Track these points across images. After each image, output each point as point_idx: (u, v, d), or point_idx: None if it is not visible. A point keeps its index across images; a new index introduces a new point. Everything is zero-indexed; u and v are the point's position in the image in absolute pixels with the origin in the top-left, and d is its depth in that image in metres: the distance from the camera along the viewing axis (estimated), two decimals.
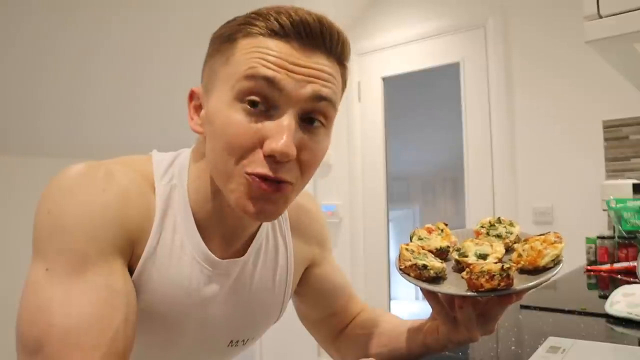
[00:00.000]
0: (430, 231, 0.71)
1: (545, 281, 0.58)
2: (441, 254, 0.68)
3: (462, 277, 0.58)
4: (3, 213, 1.82)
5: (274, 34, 0.55)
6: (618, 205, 1.66)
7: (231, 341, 0.71)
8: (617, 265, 1.54)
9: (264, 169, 0.54)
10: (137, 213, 0.58)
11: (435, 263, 0.62)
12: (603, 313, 0.96)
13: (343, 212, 2.95)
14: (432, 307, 0.65)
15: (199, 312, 0.64)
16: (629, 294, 0.98)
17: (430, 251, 0.67)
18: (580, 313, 0.99)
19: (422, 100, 3.10)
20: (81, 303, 0.50)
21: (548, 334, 0.81)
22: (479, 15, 2.50)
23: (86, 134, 2.00)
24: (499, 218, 0.72)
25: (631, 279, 1.37)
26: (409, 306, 3.51)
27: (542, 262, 0.59)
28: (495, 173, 2.43)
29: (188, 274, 0.62)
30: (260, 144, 0.54)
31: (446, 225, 0.72)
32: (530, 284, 0.57)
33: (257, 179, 0.55)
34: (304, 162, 0.57)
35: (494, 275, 0.55)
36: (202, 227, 0.63)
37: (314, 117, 0.57)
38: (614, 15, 0.76)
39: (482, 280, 0.55)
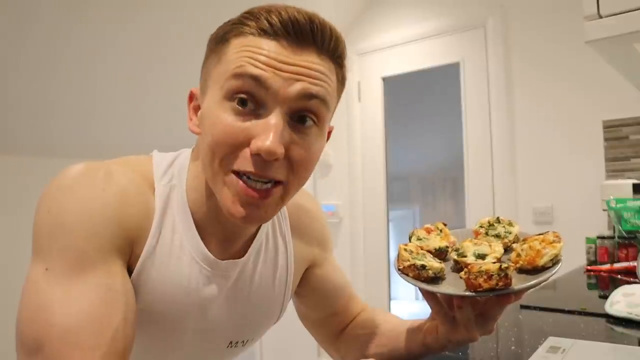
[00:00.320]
0: (429, 231, 0.71)
1: (544, 281, 0.58)
2: (440, 254, 0.68)
3: (461, 277, 0.58)
4: (6, 213, 1.82)
5: (264, 33, 0.55)
6: (618, 205, 1.66)
7: (231, 342, 0.71)
8: (617, 265, 1.54)
9: (250, 167, 0.54)
10: (136, 213, 0.58)
11: (433, 263, 0.62)
12: (603, 313, 0.96)
13: (343, 212, 2.95)
14: (431, 307, 0.66)
15: (198, 313, 0.64)
16: (629, 294, 0.98)
17: (429, 251, 0.67)
18: (580, 313, 0.99)
19: (422, 101, 3.10)
20: (81, 302, 0.50)
21: (548, 334, 0.81)
22: (478, 15, 2.50)
23: (92, 135, 2.00)
24: (497, 218, 0.72)
25: (631, 279, 1.37)
26: (409, 306, 3.51)
27: (541, 262, 0.59)
28: (495, 173, 2.43)
29: (187, 274, 0.62)
30: (247, 142, 0.54)
31: (445, 225, 0.72)
32: (529, 283, 0.57)
33: (244, 185, 0.55)
34: (296, 161, 0.56)
35: (492, 275, 0.55)
36: (201, 227, 0.63)
37: (306, 115, 0.56)
38: (614, 15, 0.76)
39: (481, 280, 0.55)
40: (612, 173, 2.11)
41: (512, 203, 2.36)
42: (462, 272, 0.58)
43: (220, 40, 0.58)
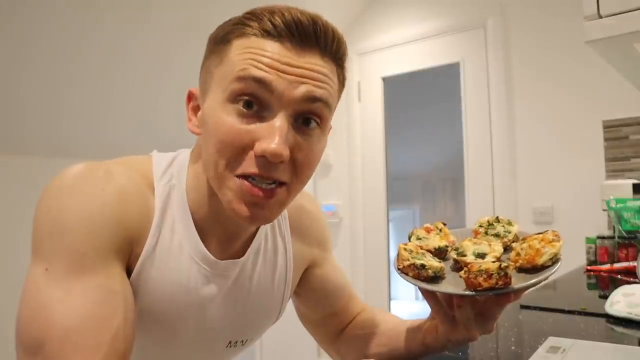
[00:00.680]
0: (428, 231, 0.71)
1: (544, 280, 0.58)
2: (439, 253, 0.68)
3: (460, 276, 0.58)
4: (3, 213, 1.82)
5: (267, 34, 0.55)
6: (618, 205, 1.66)
7: (230, 342, 0.71)
8: (617, 265, 1.54)
9: (254, 169, 0.54)
10: (136, 212, 0.58)
11: (433, 262, 0.62)
12: (603, 313, 0.95)
13: (343, 212, 2.95)
14: (430, 306, 0.65)
15: (198, 312, 0.64)
16: (629, 294, 0.98)
17: (428, 251, 0.67)
18: (580, 313, 0.99)
19: (422, 100, 3.10)
20: (81, 303, 0.50)
21: (548, 334, 0.81)
22: (478, 15, 2.50)
23: (77, 134, 2.00)
24: (497, 217, 0.72)
25: (631, 279, 1.37)
26: (409, 306, 3.51)
27: (541, 261, 0.59)
28: (495, 173, 2.43)
29: (186, 274, 0.62)
30: (251, 145, 0.54)
31: (445, 224, 0.72)
32: (529, 282, 0.57)
33: (249, 185, 0.55)
34: (299, 163, 0.57)
35: (491, 274, 0.55)
36: (201, 228, 0.63)
37: (310, 117, 0.57)
38: (614, 15, 0.76)
39: (480, 279, 0.55)
40: (612, 173, 2.11)
41: (512, 203, 2.36)
42: (462, 271, 0.58)
43: (221, 40, 0.57)
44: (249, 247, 0.68)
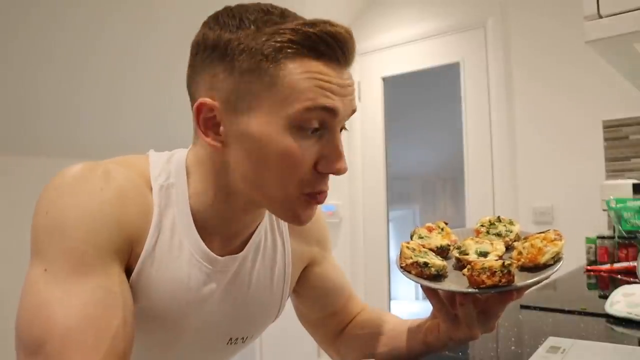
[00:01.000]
0: (430, 230, 0.71)
1: (546, 278, 0.58)
2: (441, 252, 0.68)
3: (463, 274, 0.58)
4: (2, 213, 1.82)
5: (319, 54, 0.55)
6: (618, 205, 1.66)
7: (230, 339, 0.71)
8: (617, 265, 1.54)
9: (324, 186, 0.59)
10: (135, 212, 0.58)
11: (436, 261, 0.62)
12: (603, 313, 0.95)
13: (343, 212, 2.95)
14: (432, 304, 0.66)
15: (198, 310, 0.64)
16: (629, 294, 0.98)
17: (430, 249, 0.67)
18: (580, 313, 0.99)
19: (422, 100, 3.10)
20: (81, 303, 0.50)
21: (548, 334, 0.81)
22: (479, 15, 2.50)
23: (85, 134, 2.01)
24: (498, 217, 0.72)
25: (631, 279, 1.37)
26: (409, 306, 3.51)
27: (543, 260, 0.59)
28: (495, 173, 2.43)
29: (187, 273, 0.62)
30: (315, 164, 0.57)
31: (446, 224, 0.72)
32: (532, 280, 0.57)
33: (316, 201, 0.59)
34: None
35: (495, 271, 0.55)
36: (202, 226, 0.63)
37: (343, 127, 0.61)
38: (614, 15, 0.76)
39: (484, 276, 0.56)
40: (612, 173, 2.11)
41: (512, 203, 2.36)
42: (465, 269, 0.58)
43: (265, 58, 0.54)
44: (247, 243, 0.68)
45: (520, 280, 0.57)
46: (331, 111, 0.55)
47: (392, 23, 2.80)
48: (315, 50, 0.54)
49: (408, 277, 0.62)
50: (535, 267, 0.60)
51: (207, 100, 0.57)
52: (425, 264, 0.61)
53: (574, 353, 0.71)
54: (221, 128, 0.58)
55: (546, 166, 2.28)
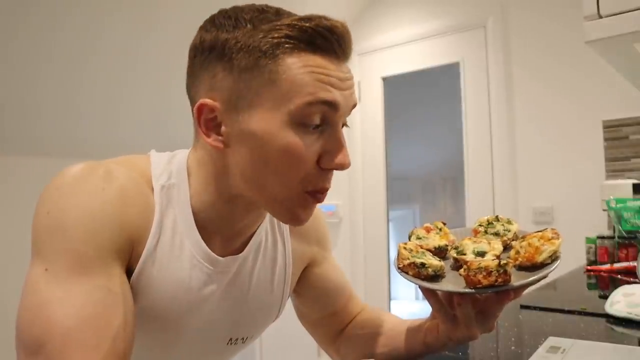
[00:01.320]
0: (428, 230, 0.71)
1: (543, 277, 0.58)
2: (439, 252, 0.68)
3: (460, 274, 0.58)
4: (2, 213, 1.82)
5: (316, 48, 0.55)
6: (618, 205, 1.66)
7: (230, 339, 0.71)
8: (617, 265, 1.54)
9: (327, 183, 0.59)
10: (137, 212, 0.58)
11: (433, 261, 0.62)
12: (603, 313, 0.95)
13: (343, 212, 2.95)
14: (431, 305, 0.66)
15: (199, 310, 0.64)
16: (629, 294, 0.98)
17: (428, 250, 0.67)
18: (580, 313, 0.99)
19: (422, 100, 3.10)
20: (82, 303, 0.50)
21: (548, 334, 0.81)
22: (479, 15, 2.50)
23: (85, 134, 2.01)
24: (496, 216, 0.72)
25: (631, 279, 1.37)
26: (409, 306, 3.51)
27: (540, 259, 0.59)
28: (495, 173, 2.43)
29: (188, 273, 0.62)
30: (317, 159, 0.57)
31: (444, 224, 0.72)
32: (528, 280, 0.57)
33: (317, 199, 0.59)
34: None
35: (491, 271, 0.55)
36: (203, 227, 0.63)
37: (345, 123, 0.60)
38: (614, 15, 0.76)
39: (480, 276, 0.56)
40: (612, 173, 2.11)
41: (512, 203, 2.36)
42: (462, 269, 0.58)
43: (263, 54, 0.54)
44: (248, 243, 0.68)
45: (517, 279, 0.57)
46: (332, 105, 0.55)
47: (392, 23, 2.80)
48: (312, 44, 0.54)
49: (406, 278, 0.62)
50: (532, 266, 0.60)
51: (208, 101, 0.57)
52: (423, 265, 0.61)
53: (574, 353, 0.71)
54: (222, 128, 0.57)
55: (546, 166, 2.28)
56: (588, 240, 1.80)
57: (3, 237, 1.80)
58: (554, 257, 0.60)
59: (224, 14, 0.58)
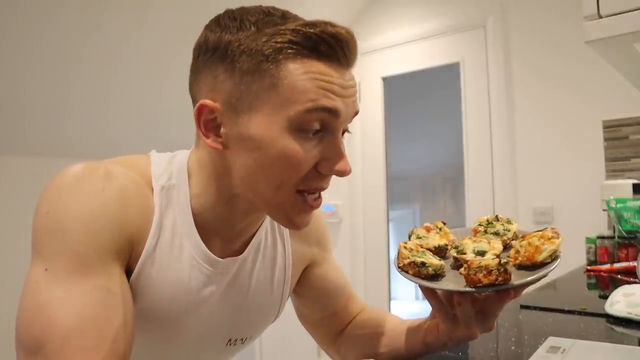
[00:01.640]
0: (428, 230, 0.71)
1: (543, 276, 0.58)
2: (439, 252, 0.68)
3: (460, 273, 0.58)
4: (5, 213, 1.82)
5: (320, 54, 0.54)
6: (618, 205, 1.66)
7: (230, 339, 0.71)
8: (617, 265, 1.54)
9: (324, 184, 0.59)
10: (136, 212, 0.58)
11: (433, 260, 0.62)
12: (603, 313, 0.95)
13: (343, 212, 2.95)
14: (431, 304, 0.66)
15: (198, 311, 0.64)
16: (629, 294, 0.98)
17: (428, 249, 0.67)
18: (580, 313, 0.99)
19: (422, 100, 3.10)
20: (82, 303, 0.50)
21: (548, 334, 0.81)
22: (479, 15, 2.50)
23: (76, 134, 2.01)
24: (496, 216, 0.72)
25: (631, 279, 1.37)
26: (409, 306, 3.51)
27: (540, 258, 0.59)
28: (495, 173, 2.43)
29: (187, 274, 0.62)
30: (315, 164, 0.57)
31: (444, 223, 0.72)
32: (528, 279, 0.57)
33: (312, 198, 0.59)
34: None
35: (491, 270, 0.55)
36: (203, 227, 0.63)
37: (346, 129, 0.61)
38: (614, 15, 0.76)
39: (480, 275, 0.56)
40: (612, 173, 2.11)
41: (512, 203, 2.36)
42: (462, 268, 0.58)
43: (265, 59, 0.54)
44: (248, 244, 0.68)
45: (517, 278, 0.57)
46: (332, 112, 0.55)
47: (392, 23, 2.80)
48: (316, 51, 0.54)
49: (406, 277, 0.62)
50: (532, 266, 0.60)
51: (208, 101, 0.57)
52: (423, 264, 0.61)
53: (574, 353, 0.71)
54: (222, 130, 0.57)
55: (546, 166, 2.28)
56: (588, 240, 1.80)
57: (3, 236, 1.80)
58: (554, 257, 0.60)
59: (229, 14, 0.58)
